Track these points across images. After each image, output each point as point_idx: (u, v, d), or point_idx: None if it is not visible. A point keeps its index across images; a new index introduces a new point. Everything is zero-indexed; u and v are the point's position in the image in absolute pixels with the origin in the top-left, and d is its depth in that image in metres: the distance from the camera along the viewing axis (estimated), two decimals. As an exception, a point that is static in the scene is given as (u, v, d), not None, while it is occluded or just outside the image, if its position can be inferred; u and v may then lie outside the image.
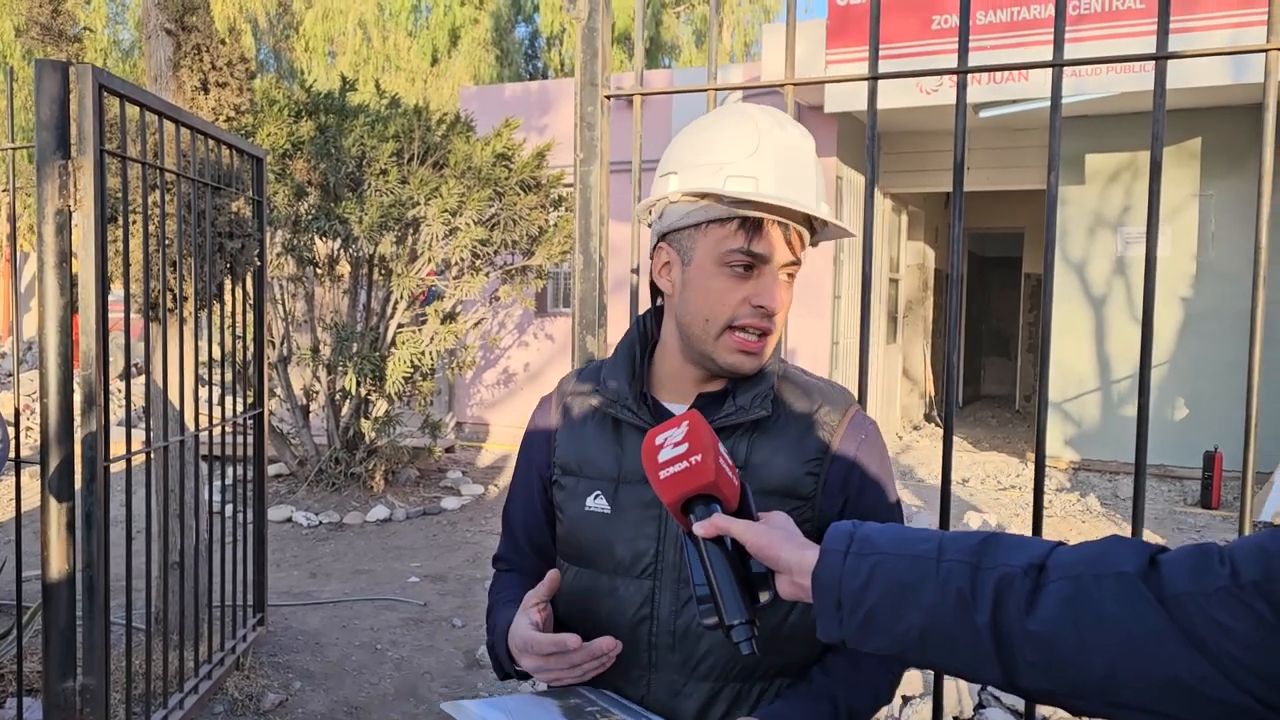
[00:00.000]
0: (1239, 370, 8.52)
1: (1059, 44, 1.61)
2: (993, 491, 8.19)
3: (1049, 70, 7.52)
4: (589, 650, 1.21)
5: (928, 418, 12.55)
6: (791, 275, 1.27)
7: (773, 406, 1.29)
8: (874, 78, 1.77)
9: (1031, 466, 9.30)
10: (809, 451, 1.28)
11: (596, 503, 1.32)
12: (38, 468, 2.83)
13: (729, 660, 1.25)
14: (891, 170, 9.95)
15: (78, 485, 2.81)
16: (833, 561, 0.99)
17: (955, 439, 11.32)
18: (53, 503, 2.80)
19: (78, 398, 2.79)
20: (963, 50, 1.68)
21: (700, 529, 1.05)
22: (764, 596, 1.05)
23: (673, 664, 1.27)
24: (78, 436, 2.80)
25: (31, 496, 5.99)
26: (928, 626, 0.93)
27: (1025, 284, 13.87)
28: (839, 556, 0.99)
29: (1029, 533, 5.19)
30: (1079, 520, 7.18)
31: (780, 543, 1.04)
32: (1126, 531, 6.86)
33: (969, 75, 1.82)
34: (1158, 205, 1.54)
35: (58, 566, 2.82)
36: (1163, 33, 1.53)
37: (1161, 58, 1.53)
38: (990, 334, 15.47)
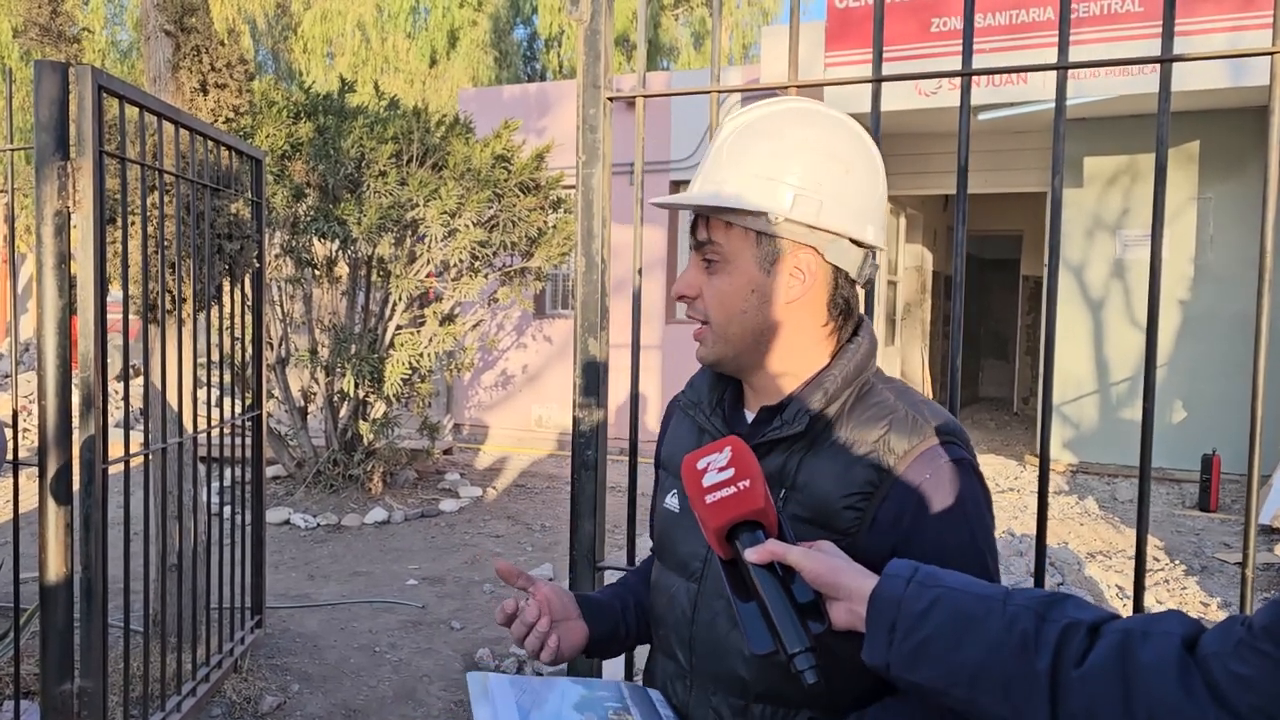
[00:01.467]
0: (1237, 373, 8.52)
1: (1063, 47, 1.61)
2: (991, 494, 8.18)
3: (1050, 73, 7.55)
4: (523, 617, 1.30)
5: (926, 420, 12.54)
6: (707, 259, 1.24)
7: (825, 424, 1.21)
8: (878, 79, 1.76)
9: (1030, 469, 9.31)
10: (854, 483, 1.17)
11: (672, 501, 1.34)
12: (35, 469, 2.81)
13: (751, 679, 1.22)
14: (889, 172, 9.78)
15: (76, 487, 2.80)
16: (894, 585, 1.00)
17: (953, 441, 11.29)
18: (51, 505, 2.79)
19: (76, 400, 2.78)
20: (967, 52, 1.68)
21: (754, 555, 1.04)
22: (817, 626, 1.03)
23: (705, 672, 1.26)
24: (76, 439, 2.79)
25: (29, 498, 5.97)
26: (984, 663, 0.93)
27: (1024, 286, 13.87)
28: (901, 582, 1.00)
29: (1032, 535, 5.13)
30: (1077, 523, 7.18)
31: (842, 569, 1.04)
32: (1128, 534, 6.86)
33: (965, 79, 1.81)
34: (1162, 207, 1.54)
35: (55, 569, 2.81)
36: (1168, 35, 1.53)
37: (1167, 60, 1.52)
38: (988, 336, 15.47)
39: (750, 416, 1.30)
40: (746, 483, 1.05)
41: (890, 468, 1.16)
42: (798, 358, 1.25)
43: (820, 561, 1.03)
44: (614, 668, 3.63)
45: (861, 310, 1.31)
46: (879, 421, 1.20)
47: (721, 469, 1.06)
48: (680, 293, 1.26)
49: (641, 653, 1.83)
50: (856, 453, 1.18)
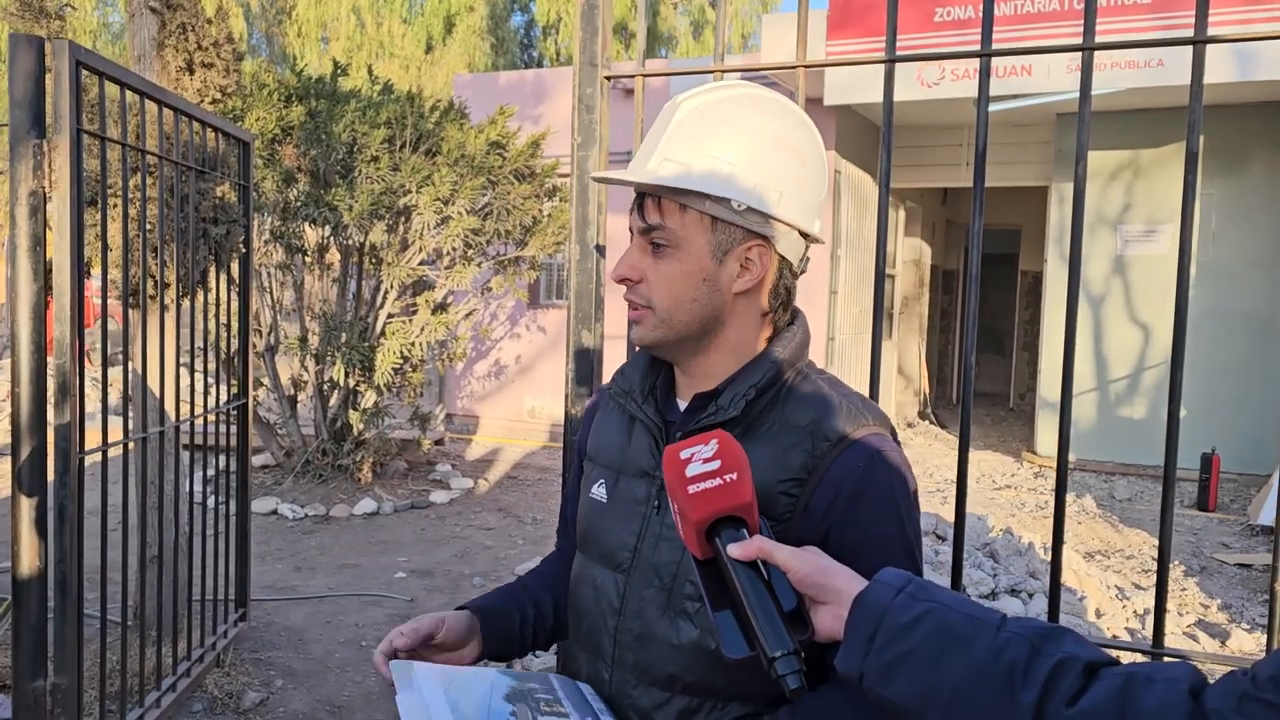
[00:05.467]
0: (1238, 371, 8.45)
1: (1089, 27, 1.52)
2: (988, 491, 8.11)
3: (1051, 67, 7.44)
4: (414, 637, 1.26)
5: (922, 415, 12.49)
6: (654, 243, 1.19)
7: (761, 410, 1.19)
8: (891, 60, 1.67)
9: (1027, 466, 9.23)
10: (790, 469, 1.16)
11: (599, 491, 1.31)
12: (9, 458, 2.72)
13: (678, 670, 1.20)
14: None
15: (51, 477, 2.70)
16: (883, 593, 0.94)
17: (949, 437, 11.25)
18: (23, 496, 2.69)
19: (51, 387, 2.68)
20: (986, 32, 1.59)
21: (738, 550, 0.98)
22: (800, 633, 0.96)
23: (628, 663, 1.24)
24: (51, 427, 2.69)
25: (5, 485, 5.88)
26: (965, 686, 0.88)
27: (1022, 281, 13.78)
28: (891, 590, 0.94)
29: (1040, 535, 5.01)
30: (1075, 521, 7.11)
31: (831, 571, 0.98)
32: (1125, 534, 6.80)
33: (978, 66, 1.72)
34: (1193, 198, 1.45)
35: (28, 562, 2.72)
36: (1201, 15, 1.44)
37: (1201, 42, 1.43)
38: (985, 331, 15.38)
39: (683, 405, 1.28)
40: (734, 475, 0.99)
41: (824, 454, 1.15)
42: (736, 346, 1.23)
43: (809, 562, 0.99)
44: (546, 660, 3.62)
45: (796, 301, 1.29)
46: (813, 408, 1.19)
47: (707, 460, 1.00)
48: (622, 275, 1.22)
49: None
50: (791, 439, 1.17)
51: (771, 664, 0.92)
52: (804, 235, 1.23)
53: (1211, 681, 0.84)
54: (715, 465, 1.00)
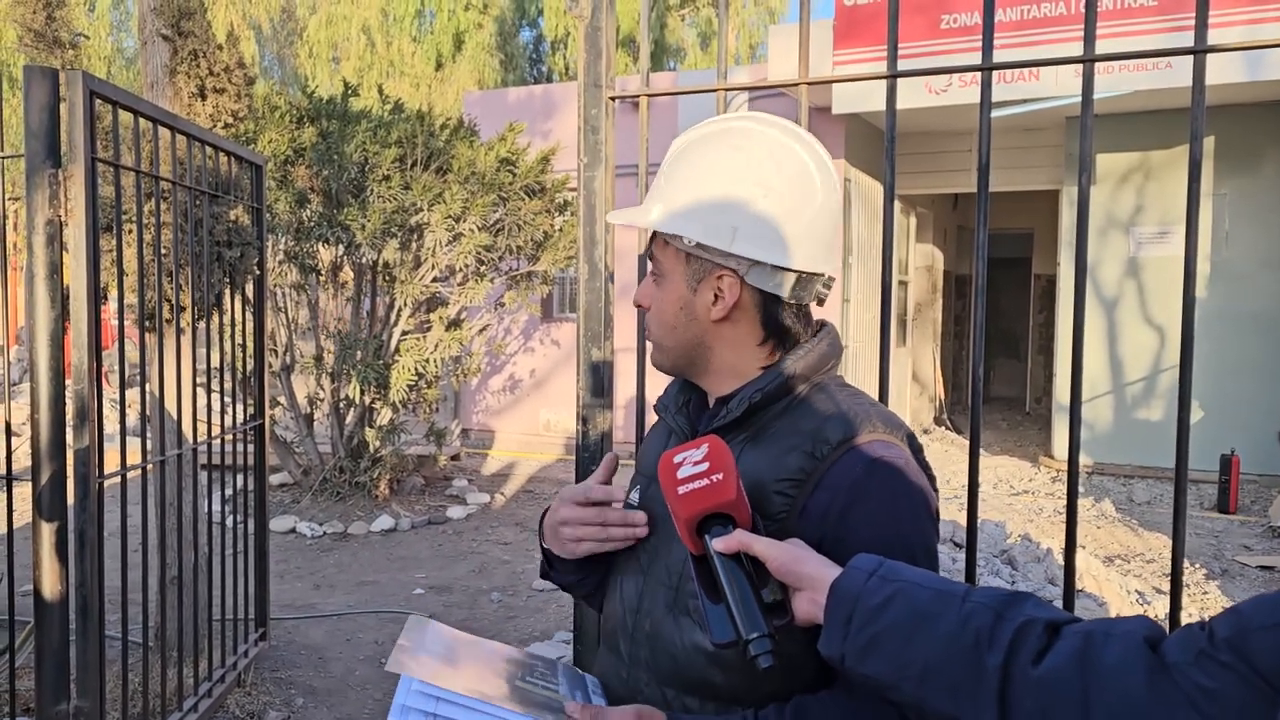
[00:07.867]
0: (1255, 372, 8.40)
1: (1089, 39, 1.52)
2: (1005, 497, 8.08)
3: (1059, 71, 7.43)
4: (625, 516, 1.29)
5: (938, 421, 12.44)
6: (654, 273, 1.30)
7: (771, 416, 1.23)
8: (893, 75, 1.68)
9: (1044, 471, 9.18)
10: (786, 470, 1.18)
11: (633, 496, 1.36)
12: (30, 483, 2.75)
13: (681, 668, 1.23)
14: (899, 171, 9.81)
15: (71, 502, 2.73)
16: (855, 578, 1.00)
17: (965, 442, 11.20)
18: (43, 521, 2.72)
19: (70, 412, 2.71)
20: (987, 46, 1.60)
21: (720, 544, 1.06)
22: (780, 620, 1.04)
23: (641, 660, 1.28)
24: (70, 452, 2.72)
25: (27, 510, 5.92)
26: (935, 659, 0.93)
27: (1035, 285, 13.73)
28: (863, 575, 1.00)
29: (1058, 540, 4.99)
30: (1093, 525, 7.07)
31: (805, 559, 1.04)
32: (1145, 537, 6.75)
33: (985, 74, 1.73)
34: (1197, 203, 1.45)
35: (50, 586, 2.75)
36: (1201, 24, 1.45)
37: (1201, 52, 1.44)
38: (999, 335, 15.32)
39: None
40: (719, 476, 1.07)
41: (824, 457, 1.17)
42: (735, 369, 1.27)
43: (785, 551, 1.04)
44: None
45: (832, 321, 1.34)
46: (819, 415, 1.21)
47: (696, 463, 1.09)
48: (637, 302, 1.35)
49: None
50: (793, 442, 1.20)
51: (746, 645, 0.99)
52: (783, 268, 1.21)
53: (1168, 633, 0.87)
54: (704, 467, 1.08)
